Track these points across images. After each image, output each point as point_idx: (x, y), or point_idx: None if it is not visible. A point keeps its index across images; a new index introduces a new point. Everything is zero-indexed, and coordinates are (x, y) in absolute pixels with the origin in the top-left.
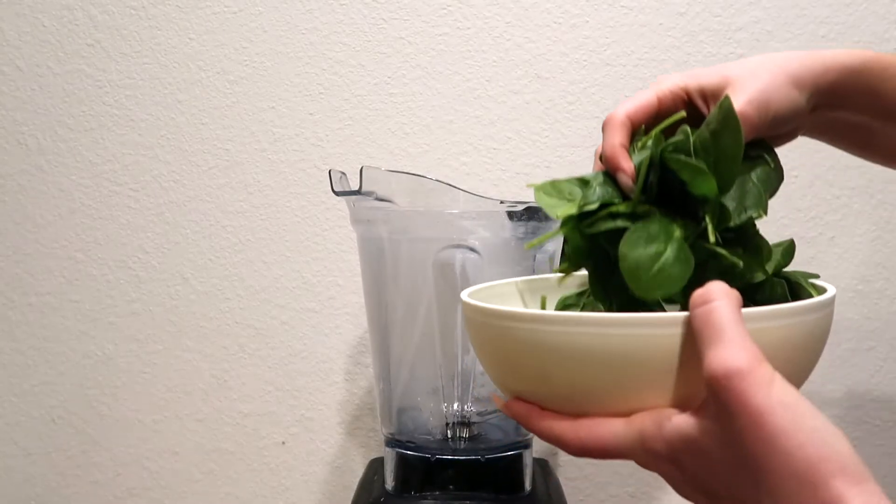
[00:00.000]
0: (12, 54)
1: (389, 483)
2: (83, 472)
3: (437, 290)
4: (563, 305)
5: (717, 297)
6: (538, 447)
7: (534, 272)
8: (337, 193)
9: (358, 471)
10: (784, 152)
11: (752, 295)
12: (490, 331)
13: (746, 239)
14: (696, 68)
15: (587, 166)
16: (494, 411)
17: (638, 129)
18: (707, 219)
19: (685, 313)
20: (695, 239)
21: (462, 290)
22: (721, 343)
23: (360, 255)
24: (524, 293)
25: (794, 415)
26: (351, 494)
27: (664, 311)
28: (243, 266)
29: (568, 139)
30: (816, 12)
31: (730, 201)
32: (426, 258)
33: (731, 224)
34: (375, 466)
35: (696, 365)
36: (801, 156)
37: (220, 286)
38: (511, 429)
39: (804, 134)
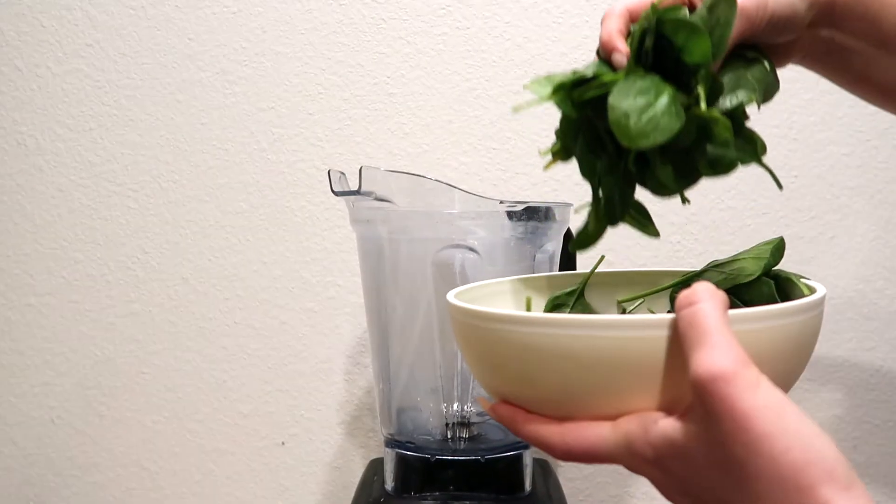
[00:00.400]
0: (11, 54)
1: (389, 483)
2: (83, 472)
3: (437, 290)
4: (553, 305)
5: (703, 298)
6: None
7: (533, 271)
8: (336, 193)
9: (357, 471)
10: (784, 152)
11: (740, 295)
12: (474, 332)
13: (738, 127)
14: None
15: None
16: None
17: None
18: (700, 87)
19: (671, 315)
20: (687, 108)
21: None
22: (706, 346)
23: (360, 255)
24: (514, 293)
25: (779, 418)
26: (351, 495)
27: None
28: (243, 266)
29: None
30: None
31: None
32: (425, 258)
33: (724, 105)
34: (375, 467)
35: (682, 368)
36: (801, 156)
37: (219, 286)
38: None
39: (801, 62)
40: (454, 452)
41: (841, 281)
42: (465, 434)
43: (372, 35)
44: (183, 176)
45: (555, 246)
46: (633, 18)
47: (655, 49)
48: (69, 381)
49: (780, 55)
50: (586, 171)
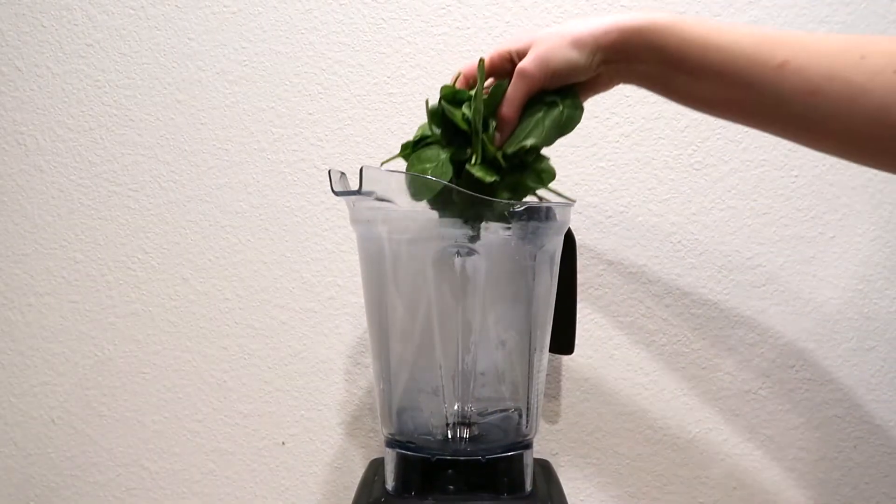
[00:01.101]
0: (11, 54)
1: (390, 483)
2: (83, 472)
3: (437, 290)
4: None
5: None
6: (539, 448)
7: (535, 272)
8: (336, 193)
9: (358, 471)
10: (784, 152)
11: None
12: None
13: (526, 165)
14: (519, 34)
15: (588, 165)
16: (495, 411)
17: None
18: (470, 149)
19: None
20: (465, 161)
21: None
22: None
23: (360, 256)
24: None
25: None
26: (351, 495)
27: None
28: (243, 266)
29: (567, 138)
30: (816, 12)
31: (518, 132)
32: (426, 258)
33: (504, 151)
34: (375, 467)
35: None
36: (801, 156)
37: (219, 286)
38: (511, 429)
39: (628, 83)
40: (455, 452)
41: (841, 281)
42: (465, 434)
43: (372, 35)
44: (183, 176)
45: (555, 246)
46: (467, 81)
47: (444, 119)
48: (69, 381)
49: (590, 88)
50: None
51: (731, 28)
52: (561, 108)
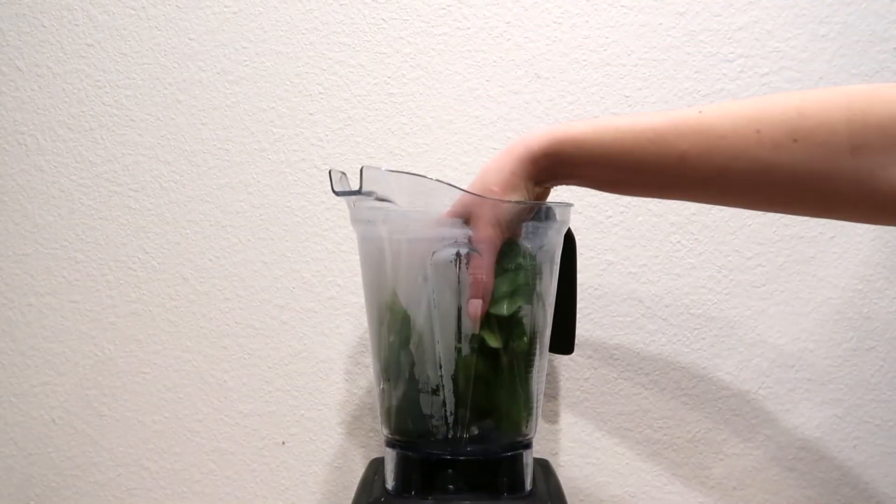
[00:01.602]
0: (12, 54)
1: (390, 483)
2: (83, 472)
3: (437, 290)
4: None
5: None
6: (539, 447)
7: (534, 272)
8: (337, 193)
9: (358, 471)
10: None
11: None
12: None
13: (517, 320)
14: (455, 203)
15: None
16: None
17: None
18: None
19: None
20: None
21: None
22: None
23: (361, 255)
24: None
25: None
26: (351, 494)
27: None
28: (243, 266)
29: None
30: (816, 12)
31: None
32: (426, 258)
33: (502, 312)
34: (376, 466)
35: None
36: None
37: (219, 286)
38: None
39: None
40: (455, 452)
41: (841, 281)
42: (465, 434)
43: (372, 35)
44: (183, 176)
45: (555, 246)
46: None
47: None
48: (70, 381)
49: (544, 196)
50: None
51: (629, 127)
52: (524, 269)
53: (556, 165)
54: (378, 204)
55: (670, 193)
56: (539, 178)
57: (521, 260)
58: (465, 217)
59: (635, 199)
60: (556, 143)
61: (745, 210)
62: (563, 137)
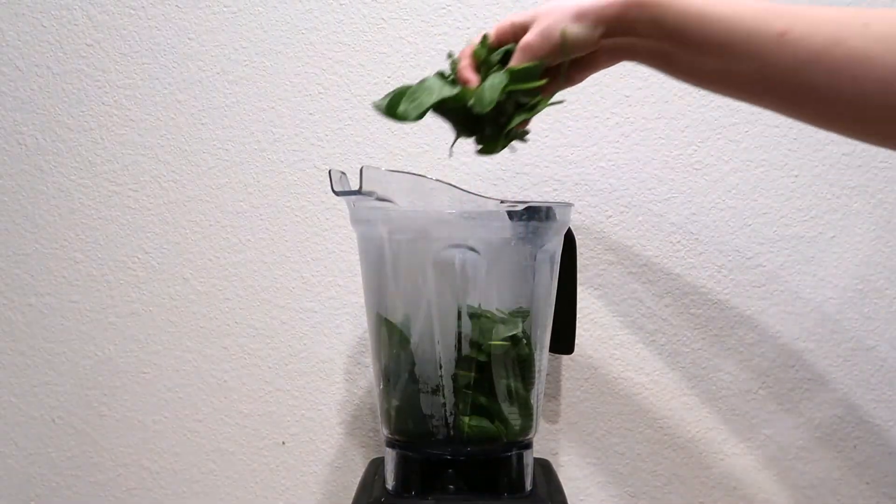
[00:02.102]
0: (12, 54)
1: (390, 483)
2: (83, 472)
3: (437, 290)
4: None
5: None
6: (539, 447)
7: (535, 272)
8: (337, 193)
9: (358, 471)
10: (784, 152)
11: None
12: None
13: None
14: (528, 9)
15: (588, 165)
16: None
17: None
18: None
19: None
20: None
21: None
22: None
23: (361, 255)
24: None
25: None
26: (351, 495)
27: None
28: (243, 266)
29: (567, 138)
30: None
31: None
32: (426, 258)
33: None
34: (376, 466)
35: None
36: (801, 156)
37: (219, 286)
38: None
39: (630, 59)
40: (455, 452)
41: (841, 280)
42: (465, 434)
43: (372, 35)
44: (183, 176)
45: (555, 246)
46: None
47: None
48: (70, 381)
49: (592, 64)
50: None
51: (731, 0)
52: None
53: (647, 18)
54: (378, 204)
55: (752, 80)
56: (620, 26)
57: (533, 94)
58: (528, 21)
59: (635, 198)
60: None
61: (746, 209)
62: None
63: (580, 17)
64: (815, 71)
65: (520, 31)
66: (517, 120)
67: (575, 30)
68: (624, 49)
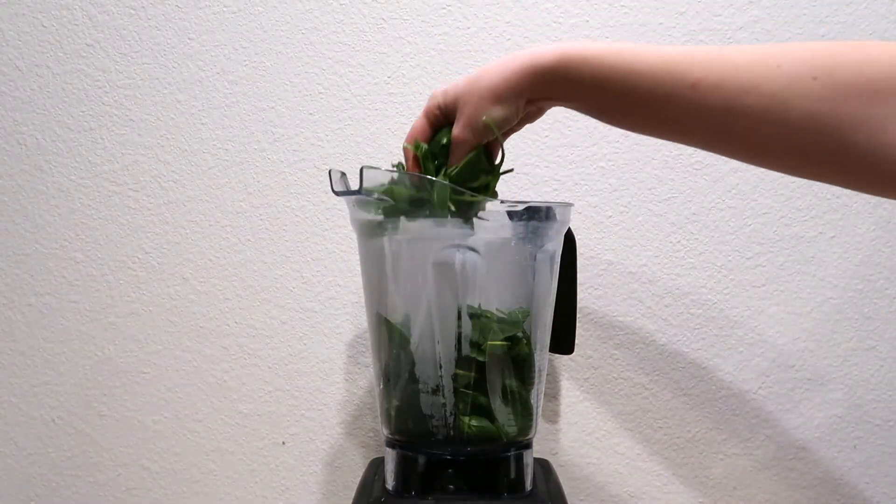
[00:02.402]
0: (11, 54)
1: (390, 483)
2: (83, 472)
3: (437, 290)
4: None
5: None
6: (539, 447)
7: (535, 272)
8: (337, 193)
9: (358, 471)
10: None
11: None
12: None
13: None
14: (450, 86)
15: (588, 165)
16: None
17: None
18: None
19: None
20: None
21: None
22: None
23: (360, 255)
24: None
25: None
26: (351, 495)
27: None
28: (243, 266)
29: (568, 139)
30: (817, 11)
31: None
32: (426, 258)
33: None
34: (376, 466)
35: None
36: None
37: (219, 286)
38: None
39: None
40: (455, 452)
41: (841, 280)
42: (465, 434)
43: (372, 35)
44: (183, 176)
45: (555, 245)
46: (418, 140)
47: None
48: (69, 381)
49: (522, 122)
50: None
51: (643, 51)
52: (478, 159)
53: (561, 82)
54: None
55: (673, 128)
56: (537, 94)
57: (482, 176)
58: (452, 106)
59: (635, 198)
60: (568, 59)
61: (746, 209)
62: (575, 55)
63: (497, 99)
64: (731, 117)
65: (450, 111)
66: (480, 199)
67: (497, 114)
68: (546, 106)
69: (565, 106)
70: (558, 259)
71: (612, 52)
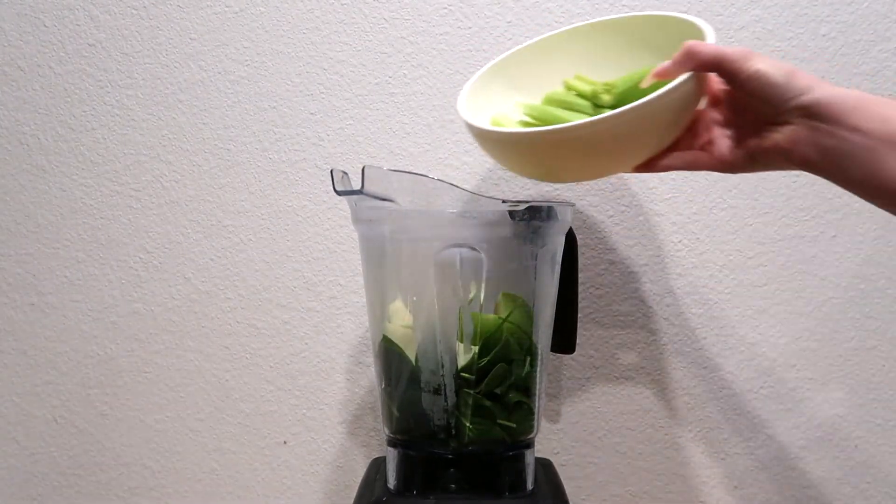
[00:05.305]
0: (14, 54)
1: (391, 482)
2: (85, 471)
3: (439, 290)
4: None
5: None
6: (540, 447)
7: (536, 272)
8: (339, 193)
9: (360, 470)
10: None
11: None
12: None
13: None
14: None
15: None
16: None
17: None
18: None
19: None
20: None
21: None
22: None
23: (362, 255)
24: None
25: None
26: (353, 494)
27: None
28: (245, 266)
29: None
30: (817, 11)
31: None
32: (428, 257)
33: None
34: (377, 466)
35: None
36: None
37: (221, 286)
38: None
39: (799, 161)
40: (456, 452)
41: (843, 280)
42: (467, 433)
43: (374, 35)
44: (185, 175)
45: (556, 245)
46: None
47: None
48: (71, 381)
49: (773, 151)
50: None
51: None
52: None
53: (851, 119)
54: (380, 203)
55: None
56: (818, 114)
57: None
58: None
59: (636, 198)
60: (864, 99)
61: (747, 209)
62: (872, 98)
63: (791, 74)
64: None
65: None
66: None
67: (774, 73)
68: (805, 140)
69: (816, 156)
70: (559, 259)
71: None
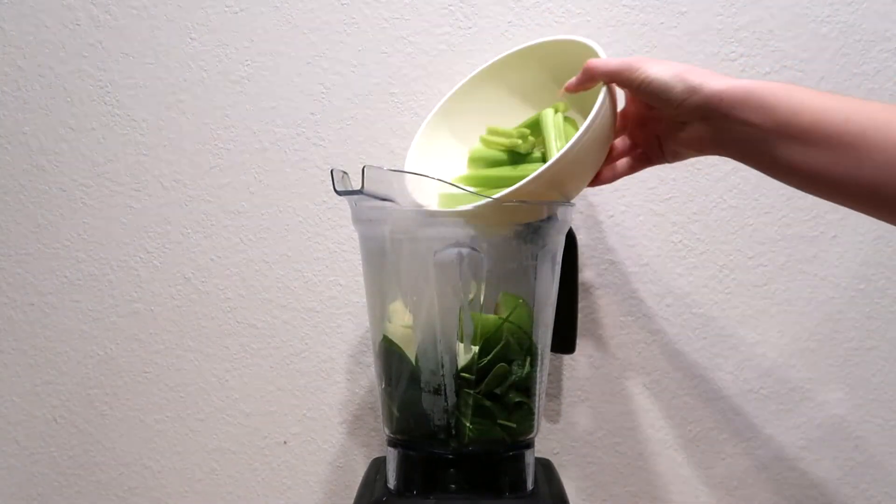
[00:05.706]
0: (14, 54)
1: (392, 482)
2: (85, 471)
3: (439, 290)
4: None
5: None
6: (540, 447)
7: (536, 272)
8: (339, 193)
9: (360, 470)
10: None
11: None
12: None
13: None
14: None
15: None
16: None
17: None
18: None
19: None
20: None
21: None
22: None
23: (362, 255)
24: None
25: None
26: (353, 494)
27: None
28: (245, 266)
29: None
30: (818, 11)
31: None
32: (428, 257)
33: None
34: (377, 466)
35: None
36: None
37: (221, 286)
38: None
39: (719, 149)
40: (457, 451)
41: (843, 280)
42: (467, 433)
43: (374, 34)
44: (185, 175)
45: (556, 245)
46: None
47: None
48: (71, 381)
49: (682, 146)
50: None
51: (843, 99)
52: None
53: (752, 105)
54: (380, 203)
55: (850, 183)
56: (719, 111)
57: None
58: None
59: (636, 198)
60: (766, 86)
61: (747, 209)
62: (775, 84)
63: (681, 77)
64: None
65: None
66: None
67: (666, 79)
68: (717, 136)
69: (733, 145)
70: (559, 259)
71: (810, 92)
